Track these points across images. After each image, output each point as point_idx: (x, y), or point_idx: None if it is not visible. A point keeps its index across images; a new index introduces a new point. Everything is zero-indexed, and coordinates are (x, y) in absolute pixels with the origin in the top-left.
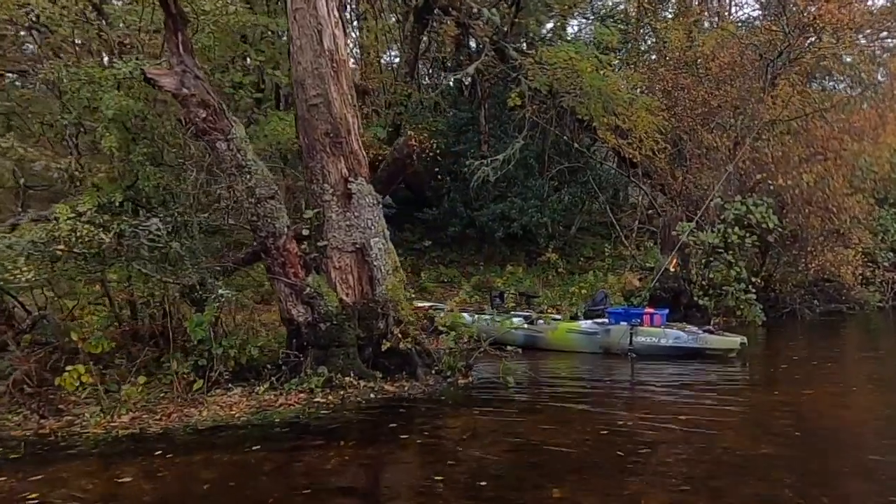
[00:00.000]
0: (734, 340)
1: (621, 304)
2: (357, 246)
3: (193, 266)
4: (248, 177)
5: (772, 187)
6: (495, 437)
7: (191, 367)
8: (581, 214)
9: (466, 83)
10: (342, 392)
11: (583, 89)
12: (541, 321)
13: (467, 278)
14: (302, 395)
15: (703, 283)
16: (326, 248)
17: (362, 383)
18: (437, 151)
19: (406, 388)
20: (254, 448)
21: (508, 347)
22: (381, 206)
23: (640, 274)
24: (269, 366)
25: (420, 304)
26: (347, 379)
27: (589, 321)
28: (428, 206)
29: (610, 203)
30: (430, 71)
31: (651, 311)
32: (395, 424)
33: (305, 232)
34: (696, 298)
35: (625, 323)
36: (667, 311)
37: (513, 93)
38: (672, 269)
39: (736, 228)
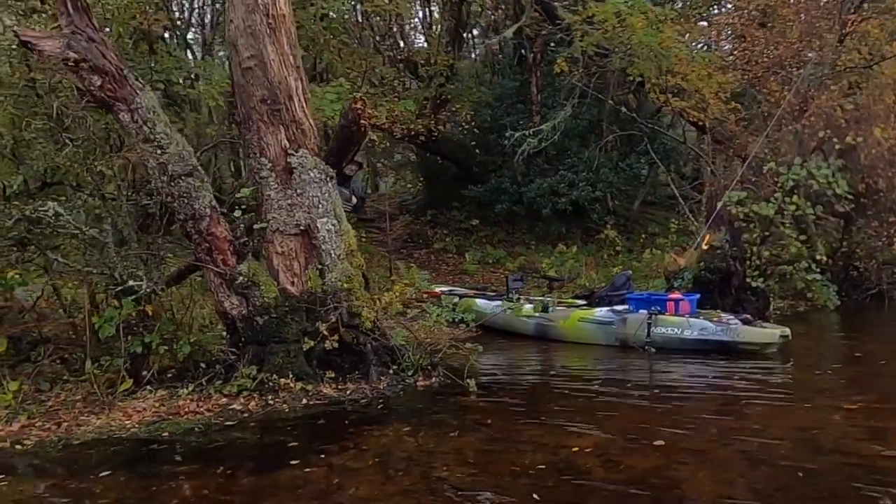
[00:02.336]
0: (773, 333)
1: (659, 288)
2: (301, 228)
3: (119, 255)
4: (159, 152)
5: (837, 146)
6: (403, 467)
7: (103, 368)
8: (645, 187)
9: (522, 52)
10: (270, 397)
11: (632, 47)
12: (560, 308)
13: (514, 258)
14: (224, 399)
15: (759, 261)
16: (266, 231)
17: (299, 385)
18: (474, 124)
19: (349, 392)
20: (105, 473)
21: (468, 345)
22: (332, 181)
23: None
24: (202, 365)
25: (439, 289)
26: (283, 380)
27: (605, 309)
28: (475, 182)
29: (680, 174)
30: (486, 39)
31: (677, 296)
32: (296, 443)
33: (238, 213)
34: (749, 280)
35: (644, 311)
36: (698, 296)
37: (559, 57)
38: (705, 247)
39: (795, 197)
